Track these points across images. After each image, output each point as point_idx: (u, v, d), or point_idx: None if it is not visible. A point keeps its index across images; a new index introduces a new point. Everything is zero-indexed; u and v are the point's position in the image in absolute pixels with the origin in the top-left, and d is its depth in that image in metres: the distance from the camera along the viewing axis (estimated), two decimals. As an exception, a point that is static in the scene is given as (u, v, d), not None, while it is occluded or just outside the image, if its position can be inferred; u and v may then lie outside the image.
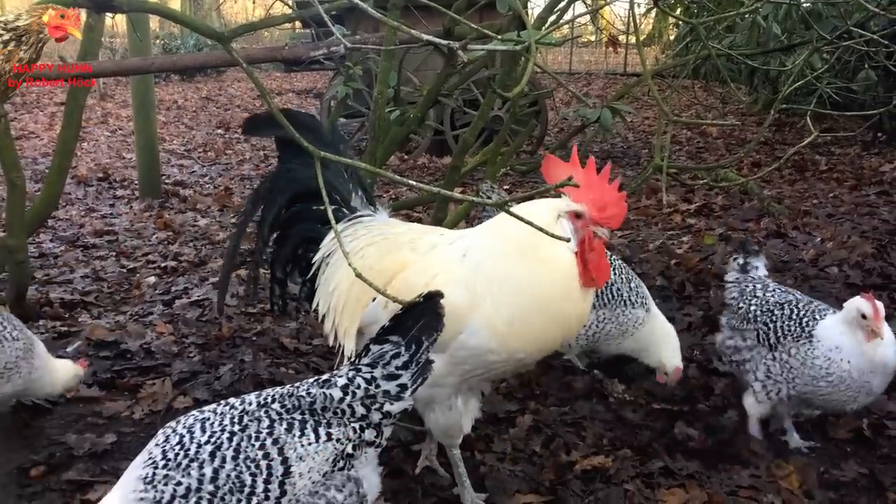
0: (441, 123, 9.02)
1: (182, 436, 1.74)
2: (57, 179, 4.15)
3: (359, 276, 1.86)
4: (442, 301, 1.92)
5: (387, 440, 1.93)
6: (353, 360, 1.95)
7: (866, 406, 2.81)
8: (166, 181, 7.78)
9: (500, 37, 2.14)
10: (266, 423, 1.78)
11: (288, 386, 1.90)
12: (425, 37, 1.97)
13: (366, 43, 4.23)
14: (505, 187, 6.95)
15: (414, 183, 2.09)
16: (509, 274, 2.20)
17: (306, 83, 17.83)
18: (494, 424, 3.05)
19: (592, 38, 19.68)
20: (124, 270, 5.04)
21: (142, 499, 1.66)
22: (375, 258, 2.40)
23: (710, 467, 2.76)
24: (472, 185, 6.70)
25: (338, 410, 1.83)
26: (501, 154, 4.54)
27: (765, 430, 2.99)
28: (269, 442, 1.75)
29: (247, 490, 1.69)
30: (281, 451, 1.75)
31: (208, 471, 1.69)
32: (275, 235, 2.66)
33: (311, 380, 1.90)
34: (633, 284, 3.37)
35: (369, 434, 1.87)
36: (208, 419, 1.79)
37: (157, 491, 1.66)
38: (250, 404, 1.83)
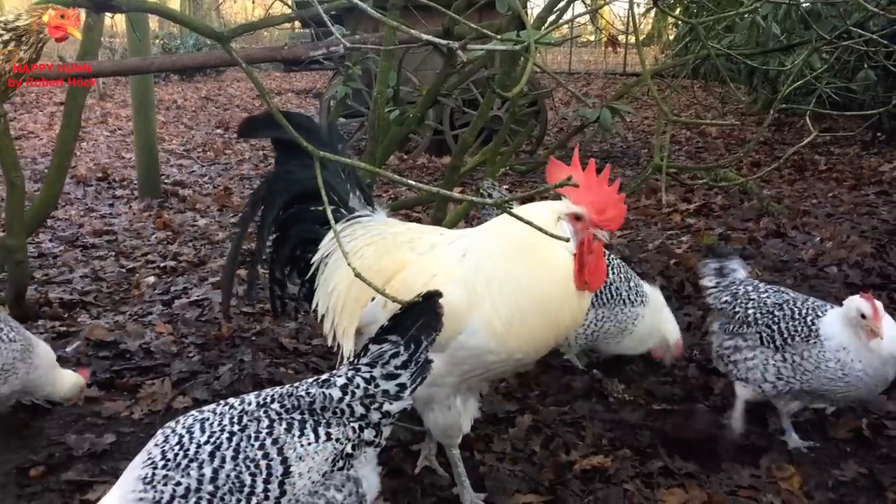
0: (440, 123, 9.02)
1: (181, 436, 1.74)
2: (56, 179, 4.15)
3: (358, 275, 1.86)
4: (441, 301, 1.92)
5: (386, 440, 1.93)
6: (352, 359, 1.95)
7: (865, 406, 2.81)
8: (165, 181, 7.78)
9: (499, 36, 2.14)
10: (265, 423, 1.78)
11: (287, 386, 1.90)
12: (425, 37, 1.97)
13: (365, 43, 4.23)
14: (504, 187, 6.93)
15: (413, 183, 2.09)
16: (509, 274, 2.20)
17: (306, 83, 17.83)
18: (494, 424, 3.05)
19: (592, 37, 19.66)
20: (123, 270, 5.03)
21: (141, 499, 1.66)
22: (374, 258, 2.40)
23: (710, 467, 2.76)
24: (472, 184, 6.70)
25: (337, 410, 1.83)
26: (501, 154, 4.54)
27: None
28: (268, 442, 1.75)
29: (246, 490, 1.69)
30: (280, 451, 1.75)
31: (208, 471, 1.69)
32: (273, 236, 2.66)
33: (311, 380, 1.90)
34: (632, 283, 3.38)
35: (368, 434, 1.87)
36: (208, 419, 1.79)
37: (156, 491, 1.66)
38: (250, 404, 1.83)
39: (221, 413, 1.80)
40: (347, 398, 1.84)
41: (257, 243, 2.65)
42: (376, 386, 1.86)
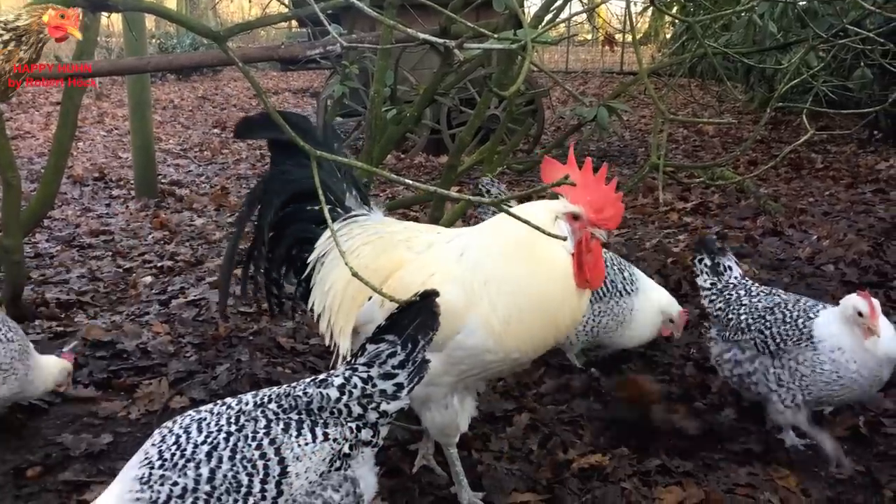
0: (438, 122, 9.02)
1: (178, 436, 1.74)
2: (53, 179, 4.15)
3: (355, 275, 1.86)
4: (438, 300, 1.91)
5: (384, 439, 1.93)
6: (349, 359, 1.94)
7: (863, 404, 2.81)
8: (162, 181, 7.77)
9: (496, 35, 2.14)
10: (263, 423, 1.78)
11: (285, 386, 1.90)
12: (422, 35, 1.97)
13: (362, 42, 4.22)
14: (502, 185, 6.94)
15: (411, 182, 2.09)
16: (507, 273, 2.20)
17: (303, 82, 17.82)
18: (491, 423, 3.05)
19: (589, 36, 19.65)
20: (120, 270, 5.03)
21: (138, 499, 1.66)
22: (371, 257, 2.40)
23: (708, 465, 2.76)
24: (469, 183, 6.70)
25: (334, 410, 1.83)
26: (498, 153, 4.54)
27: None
28: (265, 442, 1.75)
29: (243, 490, 1.69)
30: (278, 452, 1.75)
31: (205, 471, 1.68)
32: (269, 236, 2.66)
33: (308, 379, 1.90)
34: (626, 274, 3.40)
35: (366, 433, 1.86)
36: (205, 419, 1.78)
37: (153, 491, 1.66)
38: (247, 404, 1.83)
39: (219, 413, 1.80)
40: (345, 398, 1.84)
41: (254, 244, 2.65)
42: (373, 386, 1.86)
